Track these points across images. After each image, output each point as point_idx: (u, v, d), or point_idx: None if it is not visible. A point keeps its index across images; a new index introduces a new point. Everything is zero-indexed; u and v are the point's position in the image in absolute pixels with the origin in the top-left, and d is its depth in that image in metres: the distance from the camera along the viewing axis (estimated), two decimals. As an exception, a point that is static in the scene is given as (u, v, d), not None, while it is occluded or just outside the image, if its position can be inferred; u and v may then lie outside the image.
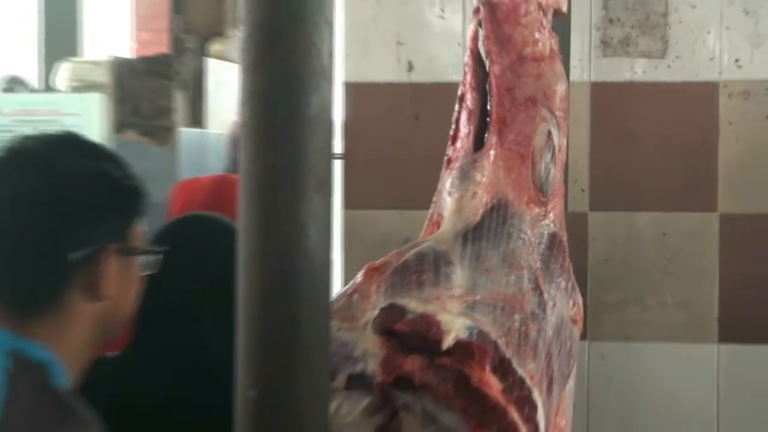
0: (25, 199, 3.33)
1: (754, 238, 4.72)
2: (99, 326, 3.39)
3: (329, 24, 2.01)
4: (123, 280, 3.36)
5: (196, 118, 8.69)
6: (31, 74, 13.62)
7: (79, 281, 3.27)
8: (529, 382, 2.94)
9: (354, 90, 3.68)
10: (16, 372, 3.20)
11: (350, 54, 3.91)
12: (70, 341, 3.35)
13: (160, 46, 9.77)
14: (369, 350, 2.91)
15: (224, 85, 8.74)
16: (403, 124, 4.11)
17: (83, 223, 3.31)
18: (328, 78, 2.06)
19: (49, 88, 12.92)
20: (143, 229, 3.45)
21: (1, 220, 3.35)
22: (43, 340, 3.25)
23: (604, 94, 4.59)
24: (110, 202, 3.38)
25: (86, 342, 3.38)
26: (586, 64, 4.40)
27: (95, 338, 3.43)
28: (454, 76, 3.27)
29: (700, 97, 4.68)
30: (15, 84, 13.04)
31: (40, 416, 3.22)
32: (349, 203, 3.83)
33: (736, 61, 4.66)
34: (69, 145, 3.70)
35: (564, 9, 3.28)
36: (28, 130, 10.10)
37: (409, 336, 2.89)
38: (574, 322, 3.27)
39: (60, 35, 13.97)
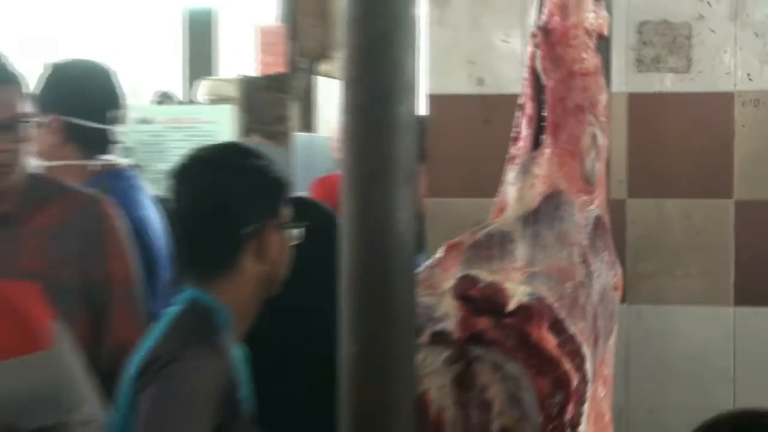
0: (208, 191, 3.93)
1: (764, 219, 4.70)
2: (262, 286, 3.84)
3: (413, 47, 2.02)
4: (279, 249, 3.84)
5: (307, 125, 8.71)
6: (177, 90, 13.69)
7: (249, 250, 3.78)
8: (578, 338, 2.95)
9: (435, 101, 3.67)
10: (192, 312, 3.77)
11: (432, 72, 3.90)
12: (242, 297, 3.83)
13: (279, 66, 9.76)
14: (448, 312, 2.92)
15: (330, 98, 8.74)
16: (475, 128, 4.11)
17: (250, 206, 3.85)
18: (413, 91, 2.07)
19: (191, 101, 12.97)
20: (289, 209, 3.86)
21: (191, 209, 3.97)
22: (221, 297, 3.76)
23: (638, 103, 4.58)
24: (267, 189, 3.92)
25: (252, 299, 3.85)
26: (624, 78, 4.38)
27: (259, 296, 3.85)
28: (516, 89, 3.26)
29: (719, 105, 4.65)
30: (164, 98, 13.20)
31: (201, 342, 3.67)
32: (431, 192, 3.82)
33: (748, 75, 4.63)
34: (233, 150, 4.46)
35: (605, 33, 3.28)
36: (175, 135, 10.14)
37: (481, 300, 2.90)
38: (615, 288, 3.27)
39: (200, 59, 14.00)
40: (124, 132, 5.42)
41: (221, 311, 3.75)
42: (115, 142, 5.27)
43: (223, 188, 3.94)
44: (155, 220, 5.06)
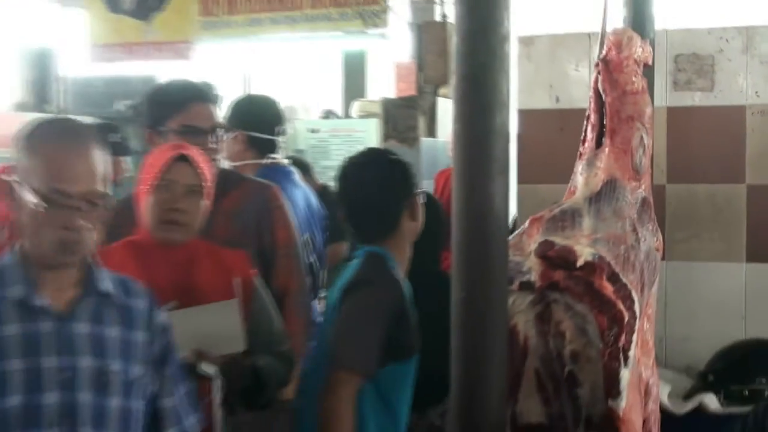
0: (376, 178, 4.18)
1: None
2: (411, 237, 4.13)
3: (507, 75, 1.97)
4: (419, 211, 4.12)
5: (431, 133, 8.63)
6: (338, 108, 13.66)
7: (406, 213, 4.04)
8: (629, 286, 2.91)
9: (524, 114, 3.61)
10: (372, 259, 4.03)
11: (521, 92, 3.85)
12: (402, 248, 4.10)
13: (410, 90, 9.69)
14: (532, 267, 2.89)
15: (447, 112, 8.71)
16: (553, 133, 4.07)
17: (404, 185, 4.13)
18: (506, 106, 2.02)
19: (347, 116, 12.93)
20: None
21: (365, 191, 4.19)
22: (388, 249, 4.02)
23: (674, 114, 4.53)
24: (410, 174, 4.22)
25: (407, 247, 4.13)
26: (664, 96, 4.32)
27: (410, 245, 4.14)
28: (583, 105, 3.21)
29: (734, 115, 4.61)
30: (328, 114, 13.18)
31: (384, 275, 3.92)
32: (521, 180, 3.78)
33: (756, 92, 4.58)
34: (384, 152, 4.88)
35: (650, 63, 3.24)
36: (336, 141, 9.94)
37: (556, 258, 2.87)
38: (657, 250, 3.22)
39: (354, 85, 13.96)
40: (288, 140, 5.72)
41: (390, 257, 4.00)
42: (278, 147, 5.63)
43: (388, 176, 4.19)
44: (300, 200, 5.30)
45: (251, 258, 4.03)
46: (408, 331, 3.82)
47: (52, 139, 2.98)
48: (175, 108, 4.39)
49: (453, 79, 2.05)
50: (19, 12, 14.53)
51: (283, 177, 5.30)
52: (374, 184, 4.18)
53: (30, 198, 2.89)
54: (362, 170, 4.31)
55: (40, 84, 12.59)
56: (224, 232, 4.13)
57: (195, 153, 3.76)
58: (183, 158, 3.66)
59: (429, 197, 4.58)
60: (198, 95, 4.49)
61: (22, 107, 12.30)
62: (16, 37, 13.84)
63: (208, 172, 3.75)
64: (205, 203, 3.76)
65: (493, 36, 1.99)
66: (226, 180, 4.30)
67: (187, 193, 3.66)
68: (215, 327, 3.52)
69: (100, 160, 2.97)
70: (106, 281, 3.00)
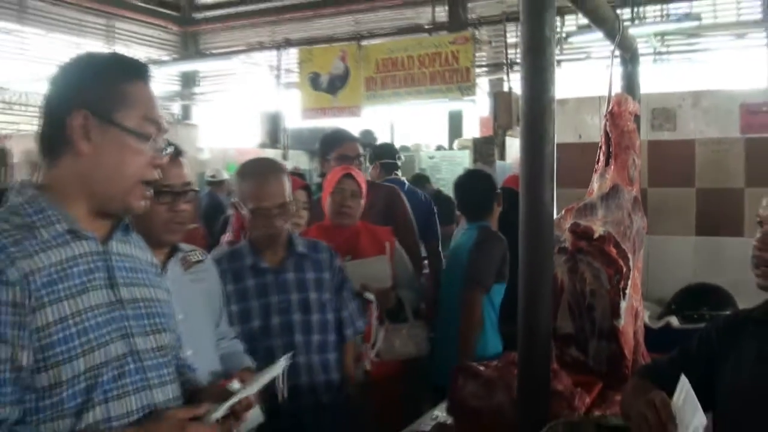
0: (479, 183, 4.38)
1: (710, 198, 4.51)
2: (497, 217, 4.29)
3: (553, 121, 1.87)
4: (501, 201, 4.29)
5: (501, 157, 8.49)
6: (445, 143, 13.53)
7: (495, 203, 4.26)
8: (626, 250, 2.78)
9: (560, 146, 3.50)
10: (483, 228, 4.16)
11: (559, 132, 3.75)
12: (494, 223, 4.24)
13: (489, 132, 9.55)
14: (566, 238, 2.78)
15: (512, 146, 8.55)
16: (577, 157, 3.95)
17: (493, 186, 4.36)
18: (552, 141, 1.93)
19: (451, 148, 12.83)
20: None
21: (472, 190, 4.37)
22: (489, 223, 4.21)
23: (653, 145, 4.44)
24: (494, 181, 4.42)
25: (496, 223, 4.26)
26: (646, 133, 4.18)
27: (497, 221, 4.27)
28: (596, 140, 3.10)
29: (688, 145, 4.55)
30: (440, 147, 13.02)
31: (495, 235, 4.10)
32: (559, 185, 3.71)
33: (701, 131, 4.48)
34: (480, 170, 5.05)
35: (638, 113, 3.13)
36: (444, 164, 9.65)
37: (581, 233, 2.76)
38: (643, 228, 3.09)
39: (455, 130, 13.89)
40: (415, 163, 5.78)
41: (491, 227, 4.20)
42: (398, 168, 5.96)
43: (485, 182, 4.40)
44: (414, 199, 5.15)
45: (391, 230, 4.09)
46: (506, 266, 3.99)
47: (257, 176, 3.05)
48: (336, 145, 4.49)
49: (520, 125, 1.97)
50: (262, 91, 14.77)
51: (399, 184, 5.38)
52: (479, 186, 4.37)
53: (245, 211, 3.02)
54: (471, 180, 4.49)
55: (273, 132, 12.83)
56: (369, 214, 4.14)
57: (356, 172, 3.92)
58: (349, 175, 3.78)
59: (508, 190, 4.55)
60: (349, 137, 4.65)
61: (262, 146, 12.47)
62: (260, 105, 14.06)
63: (363, 184, 3.90)
64: (362, 201, 3.88)
65: (545, 98, 1.94)
66: (370, 186, 4.30)
67: (351, 196, 3.76)
68: (373, 271, 3.62)
69: (286, 182, 3.06)
70: (301, 245, 3.10)
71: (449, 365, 2.97)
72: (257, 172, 3.10)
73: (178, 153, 2.47)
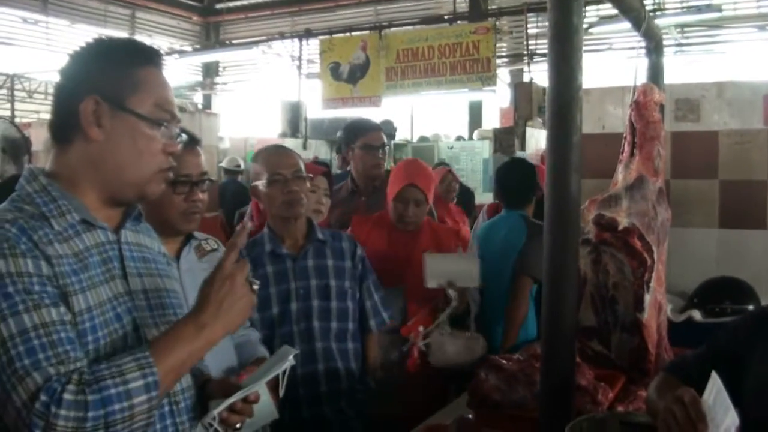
0: (516, 172, 4.46)
1: (734, 188, 4.44)
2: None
3: (580, 111, 1.81)
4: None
5: (522, 148, 8.40)
6: (465, 133, 13.47)
7: (534, 192, 4.38)
8: (650, 243, 2.72)
9: (584, 136, 3.44)
10: (520, 215, 4.25)
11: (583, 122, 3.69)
12: (531, 211, 4.32)
13: (509, 123, 9.48)
14: (590, 230, 2.72)
15: (532, 136, 8.45)
16: (601, 147, 3.87)
17: (534, 176, 4.39)
18: (579, 131, 1.87)
19: (471, 138, 12.83)
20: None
21: (511, 179, 4.43)
22: (526, 212, 4.28)
23: (676, 136, 4.35)
24: (535, 171, 4.44)
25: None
26: (669, 124, 4.09)
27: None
28: (619, 130, 3.05)
29: (712, 136, 4.45)
30: (459, 137, 12.95)
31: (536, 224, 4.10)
32: (584, 176, 3.65)
33: (725, 122, 4.42)
34: (523, 160, 5.03)
35: (663, 103, 3.01)
36: (464, 154, 9.62)
37: (605, 225, 2.69)
38: (667, 220, 3.01)
39: (475, 120, 13.83)
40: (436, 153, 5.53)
41: (529, 216, 4.27)
42: None
43: (528, 170, 4.47)
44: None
45: None
46: None
47: (271, 151, 3.17)
48: (361, 134, 4.37)
49: (547, 114, 1.91)
50: (284, 81, 14.75)
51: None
52: (521, 175, 4.42)
53: (262, 183, 2.99)
54: (513, 168, 4.53)
55: (294, 122, 12.80)
56: None
57: (421, 181, 3.66)
58: (412, 185, 3.59)
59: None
60: (374, 126, 4.54)
61: (282, 135, 12.46)
62: (281, 95, 14.03)
63: (430, 193, 3.70)
64: (426, 207, 3.72)
65: (572, 87, 1.87)
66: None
67: (414, 205, 3.61)
68: (460, 268, 3.44)
69: (298, 157, 3.09)
70: (321, 233, 3.08)
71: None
72: (269, 149, 3.21)
73: (195, 142, 2.47)
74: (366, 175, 4.34)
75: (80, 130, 1.61)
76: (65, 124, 1.63)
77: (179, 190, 2.43)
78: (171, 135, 1.68)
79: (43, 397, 1.39)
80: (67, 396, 1.39)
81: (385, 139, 4.51)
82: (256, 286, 1.63)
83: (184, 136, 1.75)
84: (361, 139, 4.34)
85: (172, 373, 1.52)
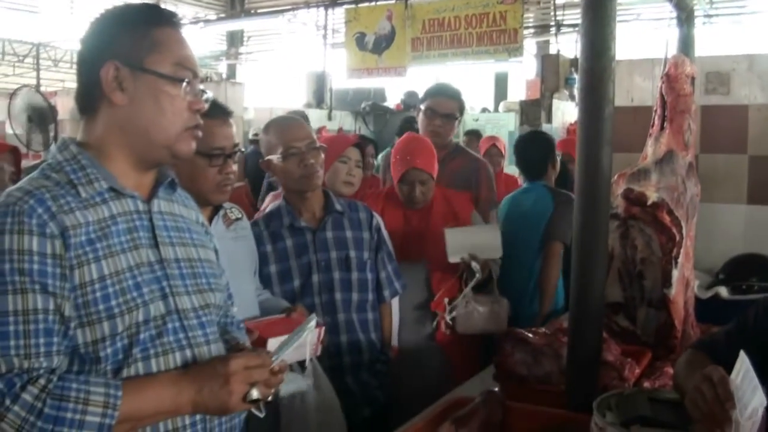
0: (534, 144, 4.60)
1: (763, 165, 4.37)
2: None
3: (613, 82, 1.77)
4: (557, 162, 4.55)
5: (549, 121, 8.31)
6: (490, 105, 13.32)
7: (551, 164, 4.45)
8: (679, 218, 2.67)
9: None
10: (543, 186, 4.35)
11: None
12: (551, 183, 4.47)
13: (536, 95, 9.37)
14: (619, 204, 2.68)
15: (558, 109, 8.34)
16: (630, 121, 3.83)
17: (551, 148, 4.56)
18: (612, 103, 1.83)
19: (496, 110, 12.66)
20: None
21: (529, 151, 4.53)
22: (545, 182, 4.38)
23: (706, 110, 4.28)
24: (554, 143, 4.62)
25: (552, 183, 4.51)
26: (699, 97, 4.01)
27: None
28: (648, 103, 3.01)
29: (741, 110, 4.40)
30: (485, 109, 12.83)
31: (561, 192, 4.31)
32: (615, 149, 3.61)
33: (755, 96, 4.34)
34: (542, 132, 5.46)
35: (695, 76, 2.94)
36: (488, 126, 9.54)
37: (634, 199, 2.65)
38: (697, 195, 2.96)
39: (500, 92, 13.72)
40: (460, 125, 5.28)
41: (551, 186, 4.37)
42: None
43: (543, 141, 4.59)
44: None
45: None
46: None
47: (283, 123, 3.11)
48: (429, 95, 4.21)
49: (579, 84, 1.87)
50: (309, 51, 14.66)
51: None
52: (539, 148, 4.47)
53: (277, 156, 2.94)
54: (530, 139, 4.64)
55: (319, 92, 12.76)
56: (448, 186, 3.87)
57: (422, 161, 3.56)
58: (414, 169, 3.53)
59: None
60: (443, 92, 4.29)
61: (307, 106, 12.42)
62: (306, 65, 13.98)
63: (434, 169, 3.59)
64: (432, 190, 3.60)
65: (605, 57, 1.83)
66: (455, 152, 4.15)
67: (420, 184, 3.55)
68: (483, 240, 3.41)
69: (309, 128, 3.05)
70: (339, 204, 3.06)
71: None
72: (279, 121, 3.16)
73: (226, 114, 2.49)
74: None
75: (104, 97, 1.62)
76: (89, 93, 1.64)
77: (214, 163, 2.44)
78: (195, 92, 1.68)
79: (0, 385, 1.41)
80: (26, 396, 1.41)
81: (457, 112, 4.22)
82: (256, 398, 1.61)
83: (210, 94, 1.74)
84: (427, 101, 4.22)
85: (128, 423, 1.51)
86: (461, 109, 4.30)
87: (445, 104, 4.15)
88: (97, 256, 1.54)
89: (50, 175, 1.59)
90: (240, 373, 1.57)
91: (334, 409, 2.51)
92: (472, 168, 4.14)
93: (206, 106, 1.72)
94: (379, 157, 7.14)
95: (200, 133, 1.72)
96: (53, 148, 1.67)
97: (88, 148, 1.64)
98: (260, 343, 2.19)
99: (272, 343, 2.18)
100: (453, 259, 3.36)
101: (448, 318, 3.36)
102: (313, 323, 1.78)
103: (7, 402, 1.40)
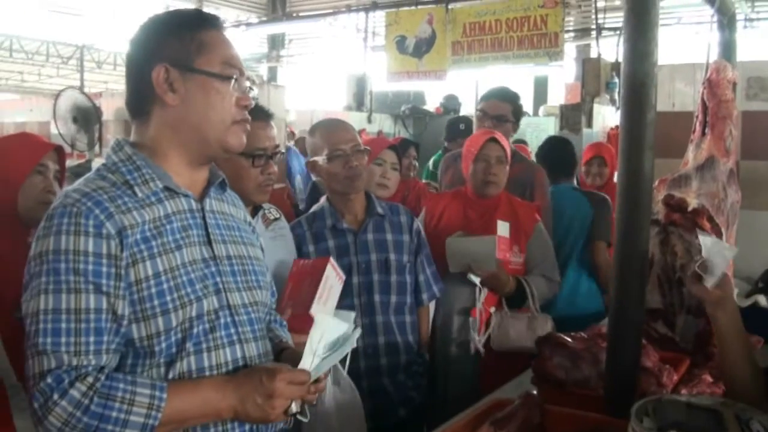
0: (560, 147, 4.81)
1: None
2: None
3: (655, 87, 1.76)
4: None
5: (589, 125, 8.23)
6: (530, 109, 13.22)
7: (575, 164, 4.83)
8: (720, 224, 2.65)
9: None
10: (573, 187, 4.70)
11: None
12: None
13: (576, 99, 9.29)
14: (659, 210, 2.66)
15: (599, 113, 8.26)
16: (671, 126, 3.78)
17: (573, 155, 4.78)
18: (654, 108, 1.82)
19: (536, 114, 12.56)
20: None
21: (554, 154, 4.75)
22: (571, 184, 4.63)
23: (747, 116, 4.22)
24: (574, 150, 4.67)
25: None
26: (741, 103, 3.96)
27: None
28: (690, 108, 2.97)
29: None
30: (525, 115, 12.76)
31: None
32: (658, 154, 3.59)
33: None
34: (558, 137, 5.42)
35: (736, 82, 2.91)
36: (529, 129, 9.50)
37: (675, 205, 2.63)
38: (737, 202, 2.92)
39: (540, 96, 13.66)
40: None
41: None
42: None
43: (566, 145, 4.75)
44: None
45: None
46: None
47: (329, 125, 3.10)
48: (483, 98, 4.29)
49: (621, 89, 1.86)
50: (349, 54, 14.71)
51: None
52: (564, 152, 4.63)
53: (322, 158, 2.95)
54: (555, 146, 4.76)
55: (359, 95, 12.79)
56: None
57: (500, 135, 3.55)
58: (493, 140, 3.53)
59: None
60: (492, 94, 4.32)
61: (347, 108, 12.46)
62: (347, 67, 14.02)
63: (508, 148, 3.56)
64: (507, 168, 3.56)
65: (648, 62, 1.82)
66: (514, 156, 4.04)
67: (497, 162, 3.52)
68: (476, 252, 3.31)
69: (355, 131, 3.05)
70: (380, 207, 3.07)
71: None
72: (326, 123, 3.16)
73: (268, 116, 2.54)
74: None
75: (156, 99, 1.68)
76: (141, 97, 1.70)
77: (257, 164, 2.51)
78: (242, 89, 1.74)
79: (48, 380, 1.47)
80: (73, 392, 1.47)
81: (510, 115, 4.21)
82: (295, 412, 1.66)
83: (256, 91, 1.81)
84: (481, 103, 4.18)
85: (171, 424, 1.57)
86: (515, 112, 4.27)
87: (495, 106, 4.17)
88: (152, 253, 1.59)
89: (107, 175, 1.65)
90: (284, 390, 1.61)
91: (355, 407, 2.52)
92: (528, 174, 4.09)
93: (253, 102, 1.78)
94: (430, 162, 7.09)
95: (249, 127, 1.77)
96: (108, 149, 1.73)
97: (141, 149, 1.70)
98: (301, 322, 2.24)
99: (316, 310, 2.32)
100: (453, 269, 3.33)
101: (478, 338, 3.33)
102: (356, 335, 1.79)
103: (55, 396, 1.46)
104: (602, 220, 4.31)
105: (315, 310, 2.34)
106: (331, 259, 2.57)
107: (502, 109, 4.16)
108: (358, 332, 1.82)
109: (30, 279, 1.54)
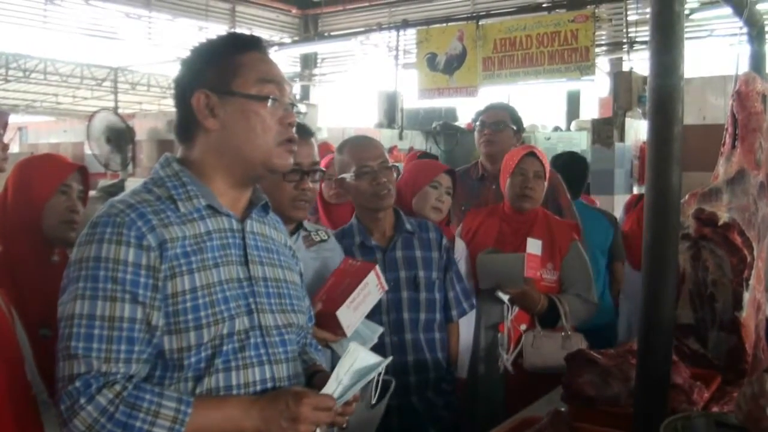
0: (578, 161, 4.85)
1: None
2: None
3: (682, 101, 1.74)
4: None
5: (621, 139, 8.12)
6: (562, 124, 13.20)
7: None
8: (751, 239, 2.61)
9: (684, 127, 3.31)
10: (584, 203, 4.59)
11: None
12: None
13: (608, 113, 9.21)
14: (690, 224, 2.63)
15: (631, 127, 8.17)
16: (701, 139, 3.74)
17: (587, 170, 4.83)
18: (681, 122, 1.80)
19: (568, 129, 12.49)
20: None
21: (575, 167, 4.73)
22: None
23: None
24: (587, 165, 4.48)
25: None
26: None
27: None
28: (720, 121, 2.93)
29: None
30: (557, 128, 12.76)
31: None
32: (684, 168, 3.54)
33: None
34: (572, 152, 5.25)
35: (766, 94, 2.86)
36: (561, 143, 9.49)
37: (706, 219, 2.60)
38: (771, 215, 2.88)
39: (573, 110, 13.60)
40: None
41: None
42: None
43: (581, 161, 4.79)
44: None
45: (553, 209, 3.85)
46: None
47: (357, 142, 3.11)
48: (484, 111, 4.31)
49: (648, 103, 1.85)
50: (381, 71, 14.77)
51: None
52: (578, 168, 4.63)
53: (350, 175, 2.95)
54: (570, 162, 4.69)
55: (390, 112, 12.81)
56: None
57: (539, 151, 3.53)
58: (531, 154, 3.52)
59: None
60: (494, 105, 4.41)
61: (379, 125, 12.49)
62: (378, 85, 14.07)
63: (547, 164, 3.54)
64: (545, 183, 3.53)
65: (674, 77, 1.80)
66: None
67: (534, 177, 3.50)
68: (504, 270, 3.27)
69: (383, 147, 3.05)
70: (409, 223, 3.06)
71: None
72: (354, 140, 3.17)
73: (308, 133, 2.56)
74: (485, 154, 4.17)
75: (199, 125, 1.72)
76: (186, 123, 1.75)
77: (289, 178, 2.50)
78: (284, 106, 1.75)
79: (77, 384, 1.49)
80: (100, 398, 1.49)
81: (513, 125, 4.18)
82: None
83: (300, 107, 1.81)
84: (483, 115, 4.21)
85: None
86: (515, 120, 4.24)
87: (493, 114, 4.18)
88: (191, 268, 1.62)
89: (152, 189, 1.69)
90: (309, 415, 1.62)
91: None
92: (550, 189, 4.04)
93: (297, 118, 1.79)
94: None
95: (295, 147, 1.79)
96: (156, 164, 1.76)
97: (189, 166, 1.74)
98: (327, 319, 2.25)
99: (343, 312, 2.34)
100: (483, 285, 3.31)
101: (506, 356, 3.29)
102: (383, 365, 1.79)
103: (82, 401, 1.49)
104: (619, 239, 4.48)
105: (342, 312, 2.36)
106: (377, 267, 2.57)
107: (500, 116, 4.17)
108: (389, 360, 1.82)
109: (68, 283, 1.57)
